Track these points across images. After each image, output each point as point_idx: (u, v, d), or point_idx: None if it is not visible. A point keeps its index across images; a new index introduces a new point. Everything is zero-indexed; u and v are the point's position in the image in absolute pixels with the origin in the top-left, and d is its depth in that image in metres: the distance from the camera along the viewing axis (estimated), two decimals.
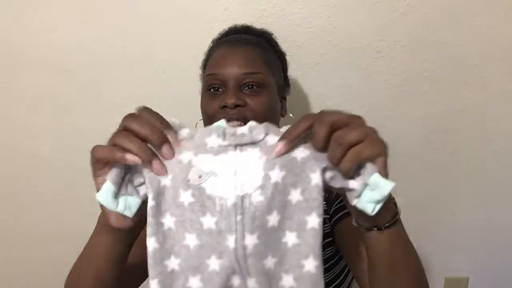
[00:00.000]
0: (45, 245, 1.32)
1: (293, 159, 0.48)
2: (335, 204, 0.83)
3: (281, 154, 0.47)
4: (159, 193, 0.48)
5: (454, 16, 1.08)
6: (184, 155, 0.48)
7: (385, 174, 0.46)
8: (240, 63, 0.79)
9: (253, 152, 0.48)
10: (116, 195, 0.49)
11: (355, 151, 0.45)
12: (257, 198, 0.47)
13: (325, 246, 0.80)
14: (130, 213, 0.50)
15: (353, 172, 0.46)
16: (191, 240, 0.48)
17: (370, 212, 0.47)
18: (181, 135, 0.50)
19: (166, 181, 0.48)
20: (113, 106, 1.16)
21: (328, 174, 0.48)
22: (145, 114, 0.49)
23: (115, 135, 0.49)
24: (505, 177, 1.25)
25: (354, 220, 0.54)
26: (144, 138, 0.48)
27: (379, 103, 1.17)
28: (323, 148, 0.46)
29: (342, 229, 0.78)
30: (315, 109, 1.18)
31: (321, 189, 0.48)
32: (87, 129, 1.16)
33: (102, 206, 0.50)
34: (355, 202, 0.48)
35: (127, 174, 0.50)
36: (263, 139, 0.48)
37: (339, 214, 0.80)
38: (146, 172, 0.49)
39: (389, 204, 0.52)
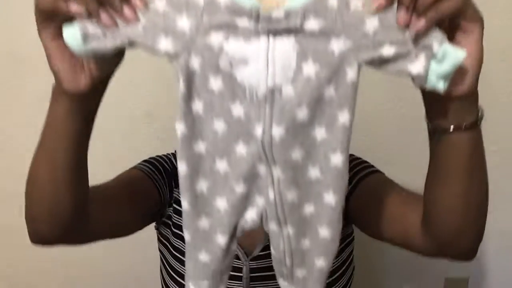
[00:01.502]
0: (46, 249, 1.32)
1: (329, 52, 0.45)
2: None
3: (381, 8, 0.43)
4: (189, 78, 0.47)
5: None
6: (214, 38, 0.45)
7: (480, 48, 0.45)
8: None
9: (287, 41, 0.44)
10: (85, 39, 0.45)
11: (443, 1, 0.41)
12: (288, 91, 0.45)
13: None
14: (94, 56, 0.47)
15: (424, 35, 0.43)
16: (219, 125, 0.48)
17: (441, 89, 0.44)
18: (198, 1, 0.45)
19: (195, 65, 0.46)
20: (113, 106, 1.16)
21: (385, 53, 0.44)
22: None
23: None
24: (505, 177, 1.25)
25: (428, 121, 0.53)
26: None
27: (379, 103, 1.17)
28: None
29: (360, 196, 0.74)
30: None
31: (356, 85, 0.46)
32: None
33: (55, 71, 0.48)
34: (423, 86, 0.45)
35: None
36: (300, 25, 0.44)
37: (350, 185, 0.76)
38: (175, 61, 0.46)
39: (474, 101, 0.50)
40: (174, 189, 0.80)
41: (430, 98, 0.51)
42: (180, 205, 0.79)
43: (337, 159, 0.48)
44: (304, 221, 0.52)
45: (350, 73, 0.45)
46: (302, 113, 0.46)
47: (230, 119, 0.48)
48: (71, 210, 0.57)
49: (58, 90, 0.51)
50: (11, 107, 1.18)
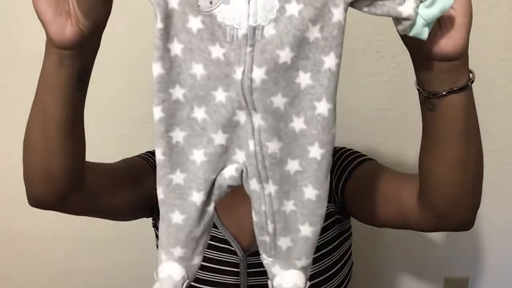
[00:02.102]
0: (46, 246, 1.32)
1: None
2: (336, 169, 0.78)
3: None
4: (167, 16, 0.44)
5: None
6: None
7: (469, 4, 0.45)
8: None
9: None
10: None
11: None
12: (270, 31, 0.44)
13: (326, 228, 0.78)
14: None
15: None
16: (198, 69, 0.46)
17: (425, 37, 0.44)
18: None
19: (173, 3, 0.44)
20: (113, 106, 1.17)
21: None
22: None
23: None
24: (505, 177, 1.25)
25: (419, 87, 0.52)
26: None
27: (379, 103, 1.17)
28: None
29: (355, 183, 0.74)
30: None
31: (343, 27, 0.44)
32: (87, 128, 1.16)
33: (41, 17, 0.48)
34: (407, 31, 0.44)
35: None
36: None
37: (344, 175, 0.76)
38: None
39: (465, 61, 0.50)
40: None
41: (422, 61, 0.50)
42: None
43: (323, 108, 0.46)
44: (287, 179, 0.48)
45: (337, 14, 0.44)
46: (284, 55, 0.44)
47: (209, 62, 0.45)
48: (63, 171, 0.57)
49: (48, 41, 0.51)
50: (11, 107, 1.18)
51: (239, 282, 0.76)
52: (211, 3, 0.44)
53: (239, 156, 0.48)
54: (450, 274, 1.36)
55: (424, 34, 0.44)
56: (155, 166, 0.78)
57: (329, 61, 0.45)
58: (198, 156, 0.48)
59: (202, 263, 0.53)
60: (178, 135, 0.48)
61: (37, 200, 0.61)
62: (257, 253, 0.77)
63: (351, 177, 0.75)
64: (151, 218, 0.83)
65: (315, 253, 0.52)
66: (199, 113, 0.47)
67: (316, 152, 0.47)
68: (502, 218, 1.30)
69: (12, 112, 1.18)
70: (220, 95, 0.46)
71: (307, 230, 0.50)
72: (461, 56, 0.49)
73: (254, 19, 0.43)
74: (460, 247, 1.33)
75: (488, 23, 1.10)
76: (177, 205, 0.49)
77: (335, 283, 0.80)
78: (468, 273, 1.37)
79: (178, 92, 0.47)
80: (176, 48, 0.46)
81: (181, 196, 0.49)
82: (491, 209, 1.28)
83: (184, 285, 0.50)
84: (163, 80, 0.46)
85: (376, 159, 0.80)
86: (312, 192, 0.48)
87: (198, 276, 0.77)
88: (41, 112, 0.55)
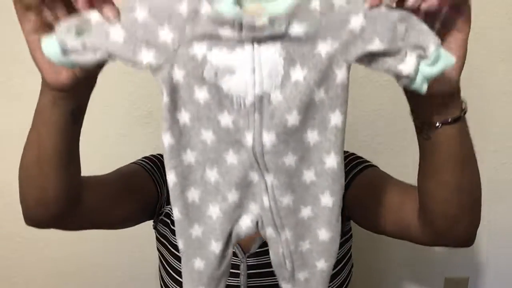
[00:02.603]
0: (46, 246, 1.32)
1: (317, 56, 0.44)
2: None
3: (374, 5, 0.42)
4: (173, 90, 0.46)
5: None
6: (197, 49, 0.44)
7: (465, 47, 0.46)
8: None
9: (273, 48, 0.43)
10: (65, 52, 0.44)
11: None
12: (276, 97, 0.45)
13: None
14: (76, 67, 0.47)
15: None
16: (207, 135, 0.47)
17: (424, 90, 0.45)
18: (181, 10, 0.43)
19: (179, 76, 0.45)
20: (113, 106, 1.16)
21: (374, 48, 0.43)
22: None
23: None
24: (505, 177, 1.25)
25: (414, 117, 0.53)
26: None
27: (379, 104, 1.17)
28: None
29: (356, 190, 0.74)
30: None
31: (347, 86, 0.45)
32: (87, 128, 1.15)
33: (37, 63, 0.48)
34: (407, 87, 0.45)
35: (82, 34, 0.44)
36: (285, 31, 0.43)
37: (345, 181, 0.77)
38: (158, 72, 0.45)
39: (458, 95, 0.51)
40: None
41: (415, 96, 0.51)
42: None
43: (332, 161, 0.48)
44: (302, 224, 0.51)
45: (340, 75, 0.45)
46: (293, 118, 0.45)
47: (218, 129, 0.47)
48: (58, 196, 0.58)
49: (43, 82, 0.51)
50: (11, 107, 1.18)
51: (239, 284, 0.76)
52: (216, 74, 0.44)
53: (253, 207, 0.51)
54: (450, 274, 1.36)
55: (423, 89, 0.45)
56: (151, 172, 0.79)
57: (335, 118, 0.46)
58: (214, 211, 0.51)
59: None
60: (194, 194, 0.50)
61: (34, 221, 0.62)
62: (257, 254, 0.78)
63: (352, 183, 0.75)
64: (151, 220, 0.83)
65: None
66: (212, 174, 0.49)
67: (328, 200, 0.50)
68: (502, 218, 1.30)
69: (12, 112, 1.18)
70: (231, 158, 0.48)
71: (323, 265, 0.53)
72: (454, 92, 0.51)
73: (260, 87, 0.44)
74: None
75: (488, 23, 1.10)
76: (198, 253, 0.52)
77: (335, 285, 0.80)
78: (468, 273, 1.37)
79: (189, 156, 0.49)
80: (185, 117, 0.47)
81: (201, 247, 0.52)
82: (491, 209, 1.28)
83: None
84: (173, 149, 0.48)
85: (376, 159, 0.80)
86: (326, 234, 0.51)
87: None
88: (36, 141, 0.56)
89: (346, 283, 0.84)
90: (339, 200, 0.50)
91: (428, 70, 0.43)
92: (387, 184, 0.69)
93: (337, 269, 0.80)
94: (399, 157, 1.19)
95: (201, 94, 0.46)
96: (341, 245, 0.81)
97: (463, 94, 0.49)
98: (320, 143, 0.47)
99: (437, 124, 0.52)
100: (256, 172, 0.48)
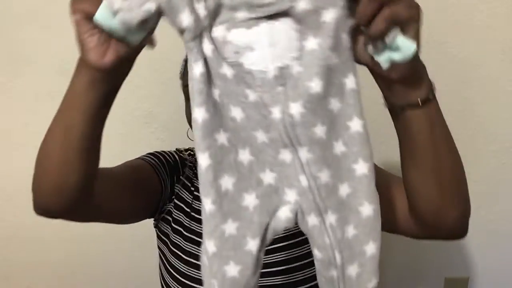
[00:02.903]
0: (46, 246, 1.32)
1: (325, 23, 0.46)
2: None
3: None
4: (205, 62, 0.46)
5: (454, 16, 1.09)
6: (217, 32, 0.47)
7: (417, 42, 0.46)
8: None
9: (285, 22, 0.47)
10: (114, 14, 0.46)
11: (390, 9, 0.44)
12: (296, 68, 0.47)
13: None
14: (129, 34, 0.48)
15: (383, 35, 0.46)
16: (237, 112, 0.47)
17: (385, 66, 0.48)
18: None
19: (208, 51, 0.46)
20: (113, 106, 1.16)
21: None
22: None
23: None
24: (505, 177, 1.25)
25: (385, 101, 0.54)
26: None
27: (379, 103, 1.17)
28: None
29: None
30: None
31: (351, 48, 0.48)
32: None
33: (83, 43, 0.49)
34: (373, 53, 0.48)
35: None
36: (292, 7, 0.46)
37: None
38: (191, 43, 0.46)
39: (424, 77, 0.52)
40: (176, 185, 0.81)
41: (380, 79, 0.53)
42: (181, 201, 0.81)
43: (355, 125, 0.49)
44: (343, 204, 0.49)
45: (346, 37, 0.47)
46: (315, 85, 0.46)
47: (246, 105, 0.47)
48: (78, 184, 0.58)
49: (82, 62, 0.52)
50: (11, 107, 1.18)
51: None
52: (237, 52, 0.47)
53: (291, 196, 0.49)
54: (450, 274, 1.36)
55: (384, 64, 0.48)
56: (156, 168, 0.79)
57: (349, 81, 0.48)
58: (250, 200, 0.48)
59: None
60: (227, 182, 0.48)
61: (45, 209, 0.62)
62: None
63: None
64: (152, 219, 0.83)
65: None
66: (245, 155, 0.48)
67: (363, 167, 0.49)
68: (502, 218, 1.30)
69: (12, 111, 1.18)
70: (262, 136, 0.48)
71: (372, 248, 0.50)
72: (410, 77, 0.51)
73: (279, 59, 0.47)
74: (460, 247, 1.33)
75: (488, 23, 1.10)
76: (232, 256, 0.47)
77: None
78: (468, 273, 1.37)
79: (222, 137, 0.47)
80: (216, 92, 0.47)
81: (235, 247, 0.48)
82: (491, 209, 1.28)
83: None
84: (208, 124, 0.46)
85: (377, 158, 0.80)
86: (369, 207, 0.49)
87: (201, 277, 0.77)
88: (63, 127, 0.56)
89: None
90: (373, 166, 0.50)
91: (389, 54, 0.47)
92: (382, 177, 0.69)
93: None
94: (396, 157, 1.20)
95: (228, 70, 0.47)
96: None
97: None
98: (342, 110, 0.48)
99: (405, 107, 0.52)
100: (289, 150, 0.48)
